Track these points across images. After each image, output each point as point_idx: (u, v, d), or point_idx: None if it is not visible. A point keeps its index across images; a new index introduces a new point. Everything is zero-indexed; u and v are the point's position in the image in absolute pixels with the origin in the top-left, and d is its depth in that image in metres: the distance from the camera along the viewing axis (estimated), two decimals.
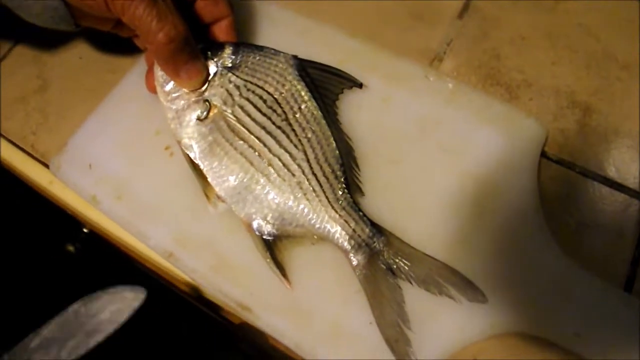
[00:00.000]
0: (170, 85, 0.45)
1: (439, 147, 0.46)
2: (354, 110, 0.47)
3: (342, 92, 0.47)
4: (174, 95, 0.45)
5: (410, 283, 0.40)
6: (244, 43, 0.47)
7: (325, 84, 0.46)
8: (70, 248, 0.66)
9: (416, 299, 0.40)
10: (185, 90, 0.45)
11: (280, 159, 0.43)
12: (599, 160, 0.45)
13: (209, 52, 0.45)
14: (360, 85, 0.47)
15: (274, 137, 0.43)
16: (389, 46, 0.50)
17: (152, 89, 0.47)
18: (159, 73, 0.45)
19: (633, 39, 0.50)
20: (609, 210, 0.43)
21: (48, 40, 0.55)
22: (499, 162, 0.45)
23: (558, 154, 0.46)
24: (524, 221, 0.42)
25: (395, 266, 0.41)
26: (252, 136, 0.43)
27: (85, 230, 0.60)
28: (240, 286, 0.42)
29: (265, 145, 0.43)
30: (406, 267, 0.41)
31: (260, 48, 0.46)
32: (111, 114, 0.50)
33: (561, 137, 0.47)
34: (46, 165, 0.50)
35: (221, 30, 0.47)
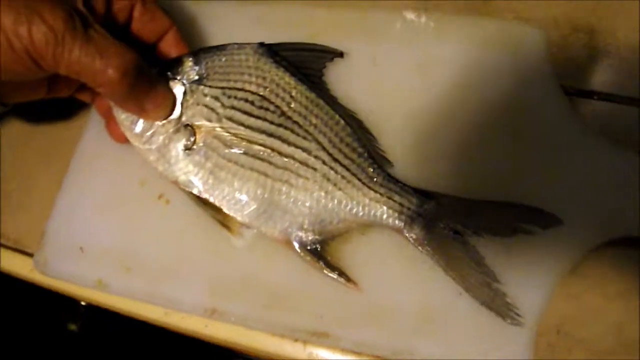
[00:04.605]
0: (140, 125, 0.39)
1: (447, 84, 0.42)
2: (346, 80, 0.43)
3: (325, 67, 0.42)
4: (148, 134, 0.39)
5: (479, 235, 0.37)
6: (201, 49, 0.41)
7: (304, 63, 0.41)
8: (72, 327, 0.61)
9: (493, 250, 0.37)
10: (159, 122, 0.39)
11: (294, 158, 0.38)
12: (619, 79, 0.42)
13: (169, 73, 0.40)
14: (341, 54, 0.43)
15: (279, 137, 0.38)
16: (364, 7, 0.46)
17: (120, 138, 0.41)
18: (122, 117, 0.39)
19: None
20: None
21: None
22: (511, 80, 0.41)
23: (575, 85, 0.43)
24: (561, 131, 0.40)
25: (457, 225, 0.37)
26: (254, 145, 0.38)
27: (83, 303, 0.54)
28: (305, 313, 0.38)
29: (272, 149, 0.38)
30: (468, 222, 0.37)
31: (222, 47, 0.41)
32: (82, 183, 0.44)
33: (573, 66, 0.43)
34: (23, 252, 0.45)
35: (169, 45, 0.42)
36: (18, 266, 0.45)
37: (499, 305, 0.35)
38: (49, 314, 0.63)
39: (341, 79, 0.42)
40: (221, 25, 0.47)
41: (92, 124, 0.45)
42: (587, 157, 0.39)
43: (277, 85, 0.39)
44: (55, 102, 0.43)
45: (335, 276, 0.37)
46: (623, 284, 0.37)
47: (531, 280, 0.36)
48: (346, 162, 0.38)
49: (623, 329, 0.36)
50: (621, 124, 0.41)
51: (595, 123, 0.41)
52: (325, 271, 0.37)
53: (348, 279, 0.37)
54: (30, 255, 0.44)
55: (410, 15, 0.44)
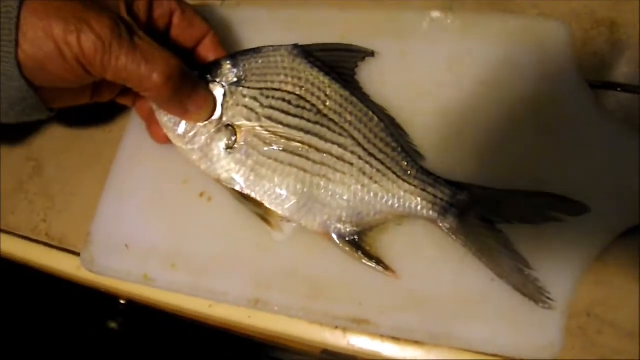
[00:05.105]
0: (182, 126, 0.40)
1: (475, 80, 0.43)
2: (377, 78, 0.44)
3: (357, 66, 0.43)
4: (190, 135, 0.40)
5: (510, 223, 0.38)
6: (238, 52, 0.42)
7: (337, 62, 0.42)
8: (113, 325, 0.62)
9: (524, 237, 0.38)
10: (201, 124, 0.40)
11: (331, 154, 0.39)
12: None
13: (208, 75, 0.41)
14: (373, 54, 0.44)
15: (316, 134, 0.39)
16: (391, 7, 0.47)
17: (161, 140, 0.43)
18: (165, 119, 0.41)
19: None
20: None
21: None
22: (537, 74, 0.42)
23: (600, 78, 0.43)
24: (586, 123, 0.40)
25: (489, 214, 0.38)
26: (292, 142, 0.39)
27: (122, 301, 0.55)
28: (345, 301, 0.39)
29: (310, 146, 0.39)
30: (499, 211, 0.38)
31: (258, 50, 0.42)
32: (125, 183, 0.45)
33: (597, 60, 0.44)
34: (68, 251, 0.46)
35: (207, 49, 0.43)
36: (65, 265, 0.46)
37: (531, 290, 0.36)
38: (89, 312, 0.64)
39: (373, 78, 0.43)
40: (253, 31, 0.48)
41: (132, 127, 0.46)
42: (611, 147, 0.39)
43: (312, 84, 0.40)
44: (97, 107, 0.44)
45: (373, 265, 0.38)
46: None
47: (561, 266, 0.37)
48: (381, 156, 0.39)
49: None
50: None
51: (619, 114, 0.42)
52: (363, 261, 0.38)
53: (386, 267, 0.38)
54: (76, 254, 0.45)
55: (436, 14, 0.45)
